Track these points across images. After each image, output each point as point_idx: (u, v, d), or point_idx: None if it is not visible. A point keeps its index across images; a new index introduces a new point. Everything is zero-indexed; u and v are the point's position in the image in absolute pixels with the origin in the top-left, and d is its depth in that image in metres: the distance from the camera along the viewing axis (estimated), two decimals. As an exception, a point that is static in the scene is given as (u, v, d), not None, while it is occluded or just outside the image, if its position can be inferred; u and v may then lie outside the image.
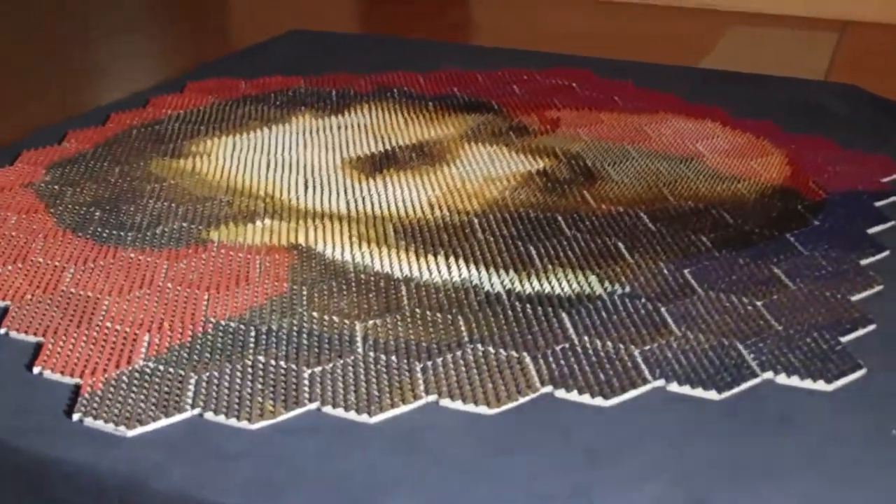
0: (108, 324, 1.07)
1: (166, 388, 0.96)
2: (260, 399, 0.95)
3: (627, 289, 1.14)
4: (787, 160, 1.49)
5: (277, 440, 0.91)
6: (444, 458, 0.89)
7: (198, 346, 1.03)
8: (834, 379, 0.98)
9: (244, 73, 1.91)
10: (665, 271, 1.18)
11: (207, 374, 0.98)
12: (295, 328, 1.06)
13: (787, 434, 0.91)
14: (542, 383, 0.97)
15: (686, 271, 1.18)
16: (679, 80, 1.89)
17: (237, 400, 0.95)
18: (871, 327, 1.08)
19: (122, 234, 1.27)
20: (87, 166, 1.47)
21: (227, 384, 0.97)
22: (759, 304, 1.11)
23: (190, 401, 0.95)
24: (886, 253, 1.23)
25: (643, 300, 1.11)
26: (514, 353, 1.02)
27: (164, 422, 0.92)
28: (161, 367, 0.99)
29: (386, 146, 1.55)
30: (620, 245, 1.24)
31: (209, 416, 0.93)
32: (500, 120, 1.67)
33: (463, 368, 0.99)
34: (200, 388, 0.96)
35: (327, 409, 0.94)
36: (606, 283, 1.15)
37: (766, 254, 1.22)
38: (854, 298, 1.13)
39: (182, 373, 0.99)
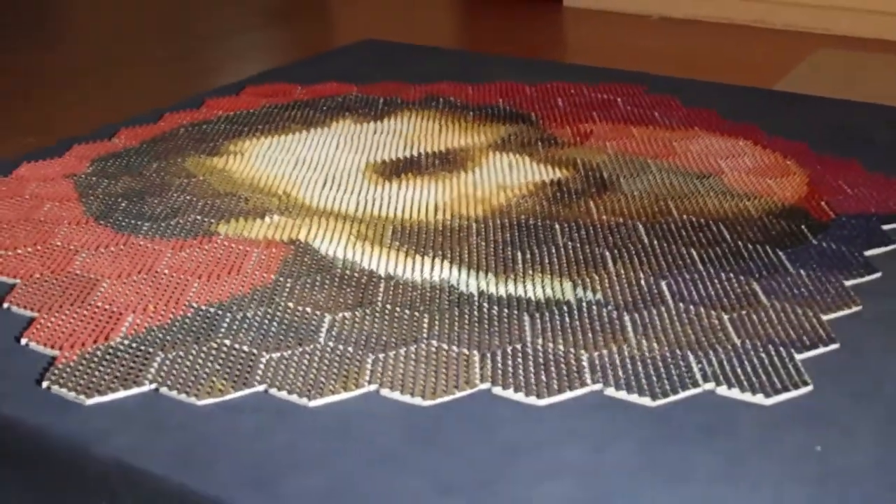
0: (100, 304, 1.15)
1: (132, 364, 1.03)
2: (214, 379, 1.01)
3: (598, 296, 1.16)
4: (806, 180, 1.48)
5: (218, 416, 0.97)
6: (368, 444, 0.93)
7: (174, 328, 1.10)
8: (774, 394, 0.98)
9: (313, 77, 1.98)
10: (642, 282, 1.19)
11: (174, 353, 1.05)
12: (268, 317, 1.12)
13: (707, 444, 0.92)
14: (482, 380, 1.01)
15: (663, 283, 1.19)
16: (735, 99, 1.88)
17: (192, 378, 1.01)
18: (834, 346, 1.07)
19: (139, 223, 1.35)
20: (129, 161, 1.57)
21: (188, 364, 1.03)
22: (725, 317, 1.11)
23: (150, 376, 1.01)
24: (877, 275, 1.22)
25: (610, 308, 1.13)
26: (464, 351, 1.05)
27: (121, 394, 1.00)
28: (134, 345, 1.07)
29: (413, 152, 1.60)
30: (607, 255, 1.26)
31: (164, 390, 1.00)
32: (533, 131, 1.70)
33: (412, 362, 1.04)
34: (163, 366, 1.03)
35: (273, 391, 1.00)
36: (579, 290, 1.17)
37: (750, 270, 1.22)
38: (826, 317, 1.12)
39: (151, 351, 1.06)
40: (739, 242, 1.29)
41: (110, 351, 1.06)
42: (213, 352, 1.06)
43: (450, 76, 1.99)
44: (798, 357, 1.04)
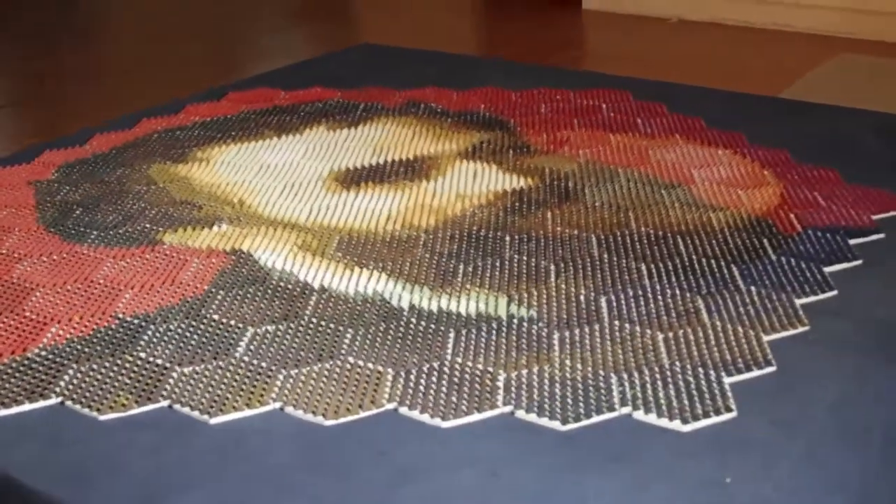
0: (28, 313, 1.14)
1: (43, 377, 1.02)
2: (120, 393, 0.99)
3: (532, 313, 1.12)
4: (780, 192, 1.43)
5: (117, 432, 0.95)
6: (258, 464, 0.90)
7: (94, 340, 1.08)
8: (693, 420, 0.94)
9: (306, 80, 1.97)
10: (582, 298, 1.15)
11: (87, 366, 1.04)
12: (190, 329, 1.10)
13: (610, 471, 0.88)
14: (390, 400, 0.97)
15: (603, 299, 1.15)
16: (731, 106, 1.82)
17: (99, 392, 0.99)
18: (770, 369, 1.02)
19: (88, 231, 1.34)
20: (93, 167, 1.56)
21: (98, 377, 1.02)
22: (660, 337, 1.07)
23: (58, 389, 1.00)
24: (833, 293, 1.17)
25: (541, 325, 1.10)
26: (379, 368, 1.02)
27: (26, 406, 0.98)
28: (49, 357, 1.05)
29: (380, 160, 1.57)
30: (552, 269, 1.22)
31: (69, 404, 0.98)
32: (508, 138, 1.66)
33: (323, 380, 1.01)
34: (73, 379, 1.01)
35: (177, 406, 0.98)
36: (513, 306, 1.14)
37: (699, 287, 1.17)
38: (770, 338, 1.07)
39: (65, 363, 1.04)
40: (693, 257, 1.24)
41: (25, 362, 1.05)
42: (127, 365, 1.04)
43: (442, 81, 1.96)
44: (728, 381, 1.00)
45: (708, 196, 1.42)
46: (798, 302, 1.14)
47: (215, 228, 1.34)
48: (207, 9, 3.46)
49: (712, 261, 1.23)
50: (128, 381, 1.01)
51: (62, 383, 1.01)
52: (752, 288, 1.17)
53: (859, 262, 1.24)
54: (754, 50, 2.71)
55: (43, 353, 1.06)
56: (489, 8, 3.39)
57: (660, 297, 1.15)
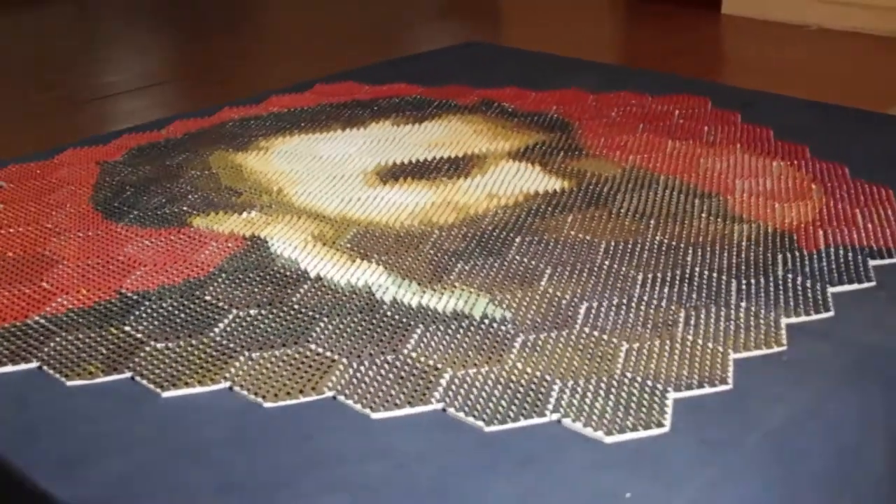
0: (45, 284, 1.23)
1: (31, 342, 1.10)
2: (92, 362, 1.06)
3: (507, 315, 1.13)
4: (819, 207, 1.37)
5: (76, 398, 1.01)
6: (184, 437, 0.95)
7: (90, 312, 1.16)
8: (618, 432, 0.93)
9: (399, 76, 2.02)
10: (564, 303, 1.15)
11: (73, 336, 1.11)
12: (179, 308, 1.16)
13: (510, 477, 0.88)
14: (332, 388, 1.00)
15: (584, 306, 1.14)
16: (817, 118, 1.75)
17: (73, 360, 1.07)
18: (725, 388, 0.99)
19: (128, 211, 1.43)
20: (161, 151, 1.66)
21: (78, 346, 1.09)
22: (623, 347, 1.06)
23: (40, 354, 1.08)
24: (827, 315, 1.12)
25: (508, 327, 1.10)
26: (332, 356, 1.05)
27: (8, 368, 1.06)
28: (44, 325, 1.13)
29: (429, 156, 1.60)
30: (547, 273, 1.22)
31: (45, 368, 1.06)
32: (565, 140, 1.65)
33: (279, 364, 1.04)
34: (56, 346, 1.09)
35: (138, 378, 1.03)
36: (490, 307, 1.14)
37: (688, 299, 1.14)
38: (740, 356, 1.04)
39: (53, 331, 1.12)
40: (697, 269, 1.21)
41: (22, 328, 1.13)
42: (109, 337, 1.11)
43: (535, 81, 1.96)
44: (675, 396, 0.97)
45: (740, 207, 1.38)
46: (786, 321, 1.10)
47: (244, 215, 1.40)
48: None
49: (714, 274, 1.20)
50: (104, 352, 1.08)
51: (46, 349, 1.09)
52: (743, 304, 1.13)
53: (871, 283, 1.18)
54: (888, 62, 2.58)
55: (41, 320, 1.14)
56: (630, 10, 3.35)
57: (642, 308, 1.13)
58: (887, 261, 1.23)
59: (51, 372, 1.05)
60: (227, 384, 1.02)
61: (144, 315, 1.15)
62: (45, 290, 1.21)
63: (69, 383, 1.03)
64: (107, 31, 3.29)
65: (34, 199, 1.48)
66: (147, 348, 1.08)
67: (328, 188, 1.48)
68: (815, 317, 1.11)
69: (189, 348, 1.08)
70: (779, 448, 0.92)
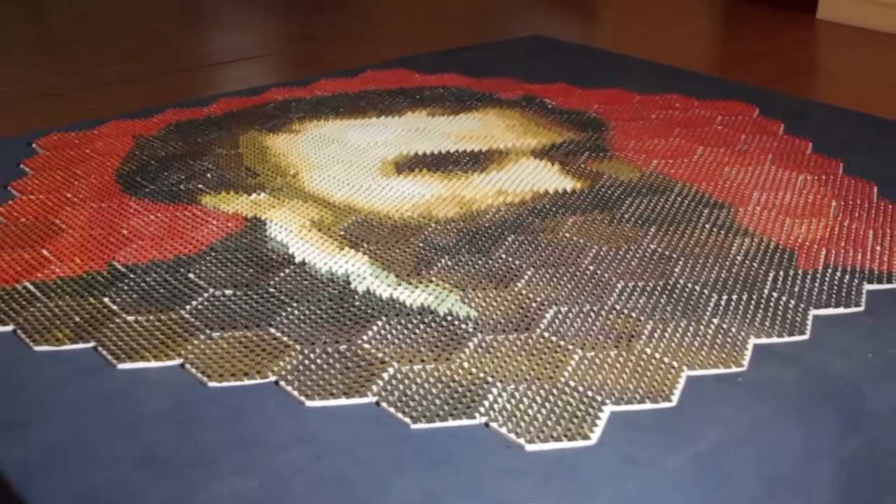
0: (45, 251, 1.27)
1: (13, 306, 1.15)
2: (64, 329, 1.10)
3: (473, 313, 1.12)
4: (832, 225, 1.32)
5: (39, 363, 1.06)
6: (127, 410, 0.98)
7: (77, 281, 1.20)
8: (541, 441, 0.92)
9: (452, 65, 2.02)
10: (533, 305, 1.14)
11: (53, 303, 1.15)
12: (160, 283, 1.19)
13: (418, 476, 0.88)
14: (276, 373, 1.02)
15: (551, 311, 1.12)
16: (865, 132, 1.69)
17: (47, 326, 1.11)
18: (667, 405, 0.97)
19: (145, 185, 1.47)
20: (196, 128, 1.70)
21: (54, 313, 1.13)
22: (576, 356, 1.04)
23: (16, 319, 1.12)
24: (801, 338, 1.08)
25: (468, 326, 1.09)
26: (288, 341, 1.07)
27: (-17, 329, 1.11)
28: (30, 291, 1.18)
29: (452, 149, 1.60)
30: (528, 274, 1.20)
31: (19, 332, 1.10)
32: (595, 140, 1.63)
33: (236, 345, 1.06)
34: (34, 312, 1.13)
35: (100, 348, 1.07)
36: (457, 304, 1.14)
37: (661, 311, 1.12)
38: (697, 373, 1.02)
39: (37, 296, 1.16)
40: (681, 281, 1.18)
41: (8, 292, 1.18)
42: (87, 306, 1.14)
43: (590, 79, 1.94)
44: (612, 409, 0.96)
45: (748, 220, 1.34)
46: (754, 342, 1.07)
47: (253, 196, 1.43)
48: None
49: (697, 287, 1.17)
50: (77, 320, 1.12)
51: (24, 314, 1.13)
52: (715, 321, 1.10)
53: (859, 309, 1.13)
54: None
55: (29, 286, 1.19)
56: (726, 12, 3.27)
57: (611, 317, 1.11)
58: (885, 286, 1.18)
59: (22, 336, 1.09)
60: (180, 361, 1.05)
61: (126, 288, 1.18)
62: (44, 257, 1.26)
63: (36, 348, 1.08)
64: (212, 4, 3.38)
65: (63, 168, 1.53)
66: (118, 320, 1.12)
67: (342, 175, 1.50)
68: (787, 339, 1.08)
69: (157, 323, 1.11)
70: (702, 471, 0.89)
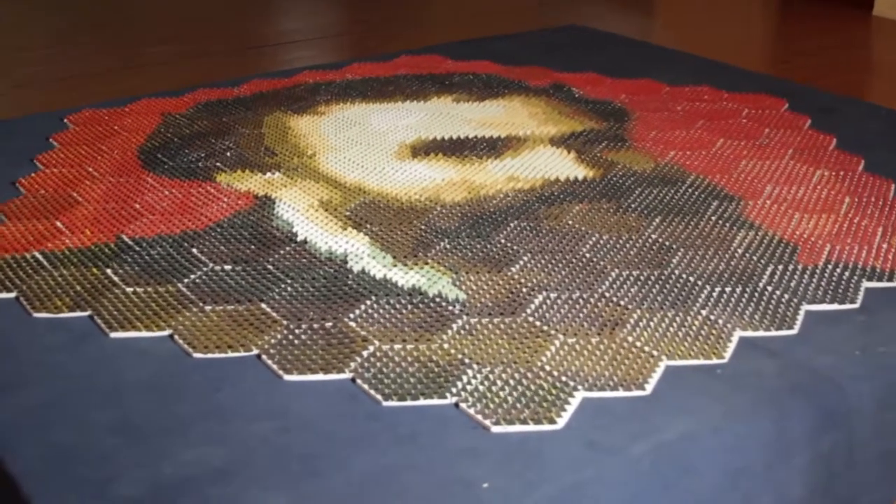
0: (59, 223, 1.31)
1: (20, 274, 1.18)
2: (64, 298, 1.13)
3: (462, 296, 1.13)
4: (840, 221, 1.30)
5: (35, 328, 1.09)
6: (109, 377, 1.01)
7: (85, 253, 1.23)
8: (507, 423, 0.92)
9: (494, 52, 2.03)
10: (523, 290, 1.14)
11: (58, 272, 1.19)
12: (162, 257, 1.22)
13: (387, 452, 0.89)
14: (260, 347, 1.04)
15: (539, 297, 1.13)
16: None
17: (48, 294, 1.14)
18: (641, 393, 0.97)
19: (165, 161, 1.50)
20: (224, 108, 1.73)
21: (57, 282, 1.16)
22: (557, 342, 1.04)
23: (20, 286, 1.16)
24: (790, 332, 1.07)
25: (456, 308, 1.10)
26: (277, 317, 1.08)
27: (-17, 293, 1.15)
28: (39, 260, 1.21)
29: (471, 134, 1.60)
30: (523, 260, 1.21)
31: (21, 299, 1.14)
32: (615, 129, 1.62)
33: (225, 318, 1.09)
34: (39, 280, 1.17)
35: (95, 317, 1.10)
36: (448, 287, 1.15)
37: (652, 301, 1.12)
38: (673, 364, 1.01)
39: (45, 267, 1.20)
40: (677, 272, 1.18)
41: (17, 261, 1.22)
42: (89, 276, 1.18)
43: (620, 70, 1.93)
44: (585, 395, 0.96)
45: (756, 213, 1.32)
46: (740, 334, 1.06)
47: (267, 175, 1.45)
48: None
49: (692, 278, 1.16)
50: (78, 289, 1.15)
51: (29, 282, 1.17)
52: (703, 312, 1.10)
53: (854, 306, 1.12)
54: None
55: (38, 255, 1.23)
56: (783, 8, 3.22)
57: (599, 304, 1.11)
58: (885, 284, 1.16)
59: (24, 302, 1.13)
60: (169, 332, 1.07)
61: (129, 260, 1.21)
62: (56, 228, 1.30)
63: (35, 314, 1.11)
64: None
65: (90, 143, 1.57)
66: (117, 291, 1.15)
67: (358, 157, 1.51)
68: (774, 333, 1.07)
69: (154, 295, 1.14)
70: (664, 460, 0.89)
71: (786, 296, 1.13)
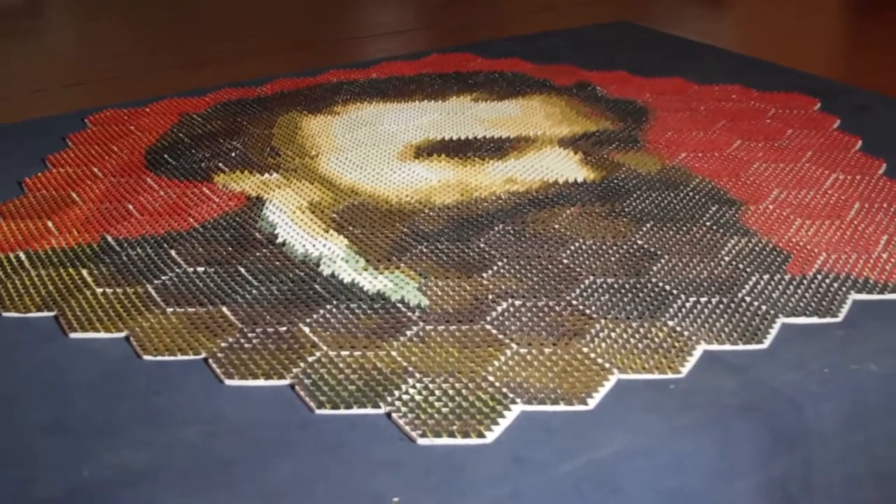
0: (50, 223, 1.33)
1: (8, 273, 1.20)
2: (35, 298, 1.14)
3: (426, 302, 1.11)
4: (845, 228, 1.23)
5: (4, 330, 1.10)
6: (60, 375, 1.01)
7: (67, 252, 1.25)
8: (433, 436, 0.90)
9: (529, 50, 2.00)
10: (489, 298, 1.11)
11: (36, 272, 1.20)
12: (141, 258, 1.22)
13: (306, 462, 0.87)
14: (209, 351, 1.03)
15: (505, 303, 1.10)
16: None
17: (20, 293, 1.15)
18: (583, 408, 0.93)
19: (169, 162, 1.51)
20: (242, 108, 1.73)
21: (32, 282, 1.18)
22: (510, 350, 1.01)
23: (-2, 286, 1.18)
24: (760, 347, 1.01)
25: (416, 314, 1.08)
26: (235, 321, 1.08)
27: (-36, 292, 1.17)
28: (21, 260, 1.23)
29: (479, 135, 1.57)
30: (496, 266, 1.18)
31: (-2, 302, 1.16)
32: (629, 130, 1.58)
33: (184, 321, 1.08)
34: (15, 281, 1.18)
35: (59, 318, 1.11)
36: (412, 293, 1.12)
37: (621, 310, 1.07)
38: (626, 377, 0.97)
39: (25, 268, 1.21)
40: (654, 280, 1.13)
41: (2, 259, 1.23)
42: (63, 277, 1.19)
43: (656, 68, 1.87)
44: (523, 409, 0.93)
45: (756, 219, 1.26)
46: (705, 348, 1.01)
47: (265, 176, 1.45)
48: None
49: (668, 287, 1.12)
50: (51, 289, 1.16)
51: (6, 282, 1.18)
52: (671, 323, 1.05)
53: (835, 319, 1.06)
54: None
55: (21, 255, 1.24)
56: (862, 13, 3.08)
57: (564, 313, 1.07)
58: (875, 297, 1.09)
59: (-4, 304, 1.15)
60: (125, 333, 1.07)
61: (108, 261, 1.22)
62: (47, 228, 1.31)
63: (4, 314, 1.12)
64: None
65: (102, 143, 1.60)
66: (87, 292, 1.15)
67: (360, 158, 1.50)
68: (742, 347, 1.01)
69: (122, 296, 1.14)
70: (590, 479, 0.85)
71: (763, 307, 1.07)
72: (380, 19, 3.09)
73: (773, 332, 1.04)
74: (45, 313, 1.12)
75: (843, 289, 1.10)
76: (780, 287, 1.11)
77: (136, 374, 1.01)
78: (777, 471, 0.92)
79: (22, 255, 1.24)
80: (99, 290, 1.15)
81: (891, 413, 0.97)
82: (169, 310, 1.11)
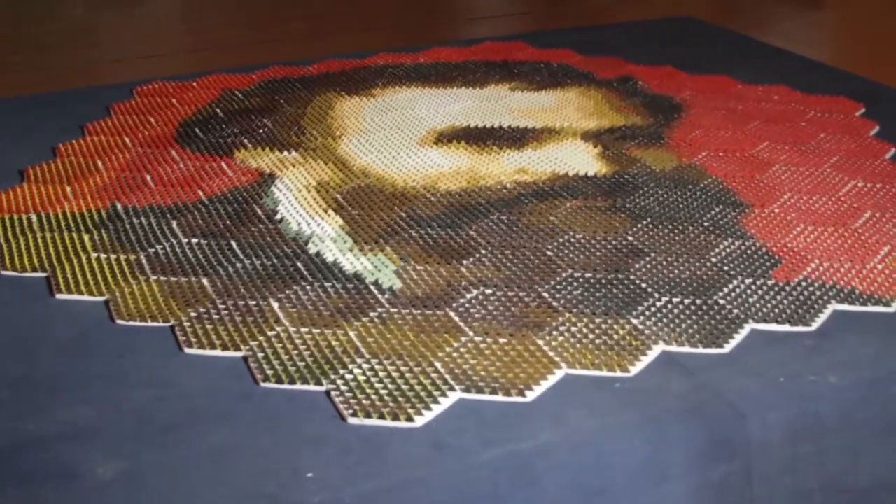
0: (69, 188, 1.38)
1: (6, 233, 1.26)
2: (33, 258, 1.20)
3: (399, 286, 1.12)
4: (849, 234, 1.20)
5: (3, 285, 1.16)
6: (38, 334, 1.06)
7: (76, 217, 1.30)
8: (364, 416, 0.91)
9: (583, 41, 1.99)
10: (462, 284, 1.11)
11: (40, 235, 1.25)
12: (143, 227, 1.27)
13: (237, 431, 0.90)
14: (176, 318, 1.06)
15: (476, 291, 1.10)
16: None
17: (20, 254, 1.21)
18: (521, 400, 0.93)
19: (198, 136, 1.55)
20: (285, 86, 1.77)
21: (35, 244, 1.23)
22: (465, 338, 1.01)
23: (2, 245, 1.23)
24: (720, 351, 0.99)
25: (383, 297, 1.09)
26: (211, 293, 1.10)
27: (-22, 251, 1.23)
28: (31, 221, 1.29)
29: (506, 124, 1.57)
30: (480, 255, 1.18)
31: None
32: (657, 126, 1.55)
33: (164, 289, 1.12)
34: (20, 242, 1.24)
35: (51, 278, 1.16)
36: (389, 276, 1.13)
37: (589, 305, 1.07)
38: (574, 372, 0.97)
39: (33, 229, 1.27)
40: (632, 277, 1.12)
41: (13, 220, 1.29)
42: (66, 241, 1.24)
43: (705, 65, 1.84)
44: (460, 396, 0.93)
45: (756, 223, 1.23)
46: (664, 349, 1.00)
47: (284, 154, 1.48)
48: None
49: (644, 285, 1.10)
50: (50, 252, 1.21)
51: (12, 242, 1.24)
52: (634, 321, 1.04)
53: (807, 329, 1.03)
54: None
55: (33, 217, 1.30)
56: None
57: (532, 305, 1.07)
58: (856, 308, 1.06)
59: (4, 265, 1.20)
60: (105, 298, 1.11)
61: (112, 228, 1.27)
62: (64, 193, 1.37)
63: (3, 272, 1.18)
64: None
65: (141, 114, 1.65)
66: (83, 256, 1.20)
67: (380, 141, 1.51)
68: (702, 350, 1.00)
69: (113, 263, 1.18)
70: (507, 470, 0.85)
71: (735, 312, 1.05)
72: (480, 2, 3.10)
73: (739, 337, 1.01)
74: (39, 274, 1.17)
75: (825, 298, 1.07)
76: (759, 292, 1.09)
77: (107, 336, 1.05)
78: (714, 477, 0.91)
79: (33, 217, 1.30)
80: (94, 256, 1.20)
81: (844, 426, 0.94)
82: (153, 278, 1.14)
